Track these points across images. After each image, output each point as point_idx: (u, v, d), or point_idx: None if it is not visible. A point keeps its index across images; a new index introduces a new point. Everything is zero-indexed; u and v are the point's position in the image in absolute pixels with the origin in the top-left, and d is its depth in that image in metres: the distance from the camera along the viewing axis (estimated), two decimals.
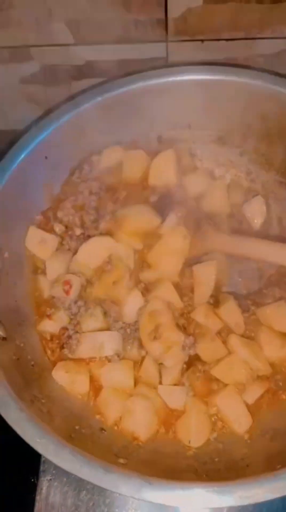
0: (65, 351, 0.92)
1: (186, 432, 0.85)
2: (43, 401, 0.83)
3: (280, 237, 1.03)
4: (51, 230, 1.05)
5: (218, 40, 1.10)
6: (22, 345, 0.91)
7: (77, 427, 0.82)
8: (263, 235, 1.04)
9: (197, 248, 0.94)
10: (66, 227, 1.05)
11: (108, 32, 1.07)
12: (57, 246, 1.03)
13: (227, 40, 1.10)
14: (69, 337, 0.93)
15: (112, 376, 0.89)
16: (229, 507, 0.85)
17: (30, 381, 0.86)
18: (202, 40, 1.10)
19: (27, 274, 1.02)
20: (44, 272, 1.01)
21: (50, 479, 0.98)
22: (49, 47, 1.10)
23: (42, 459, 0.98)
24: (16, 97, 1.20)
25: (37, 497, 0.96)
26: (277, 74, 1.06)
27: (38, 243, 1.02)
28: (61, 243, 1.04)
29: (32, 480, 0.98)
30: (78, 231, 1.03)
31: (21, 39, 1.08)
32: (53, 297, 0.99)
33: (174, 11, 1.03)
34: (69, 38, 1.08)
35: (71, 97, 1.06)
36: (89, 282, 0.98)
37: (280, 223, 1.08)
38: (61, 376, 0.90)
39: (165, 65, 1.15)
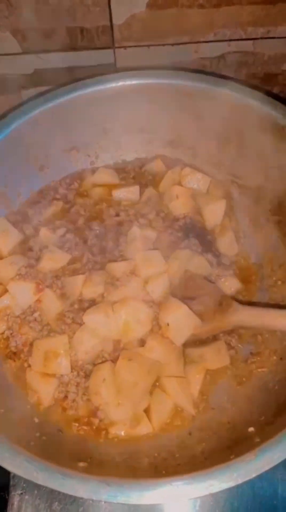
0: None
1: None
2: (1, 410, 0.82)
3: None
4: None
5: (164, 45, 1.12)
6: None
7: (37, 434, 0.81)
8: None
9: (224, 323, 0.92)
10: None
11: (54, 40, 1.08)
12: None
13: (172, 44, 1.12)
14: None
15: None
16: (198, 499, 0.90)
17: None
18: (148, 46, 1.12)
19: None
20: None
21: (21, 493, 0.96)
22: None
23: (12, 473, 0.96)
24: None
25: None
26: (222, 76, 1.09)
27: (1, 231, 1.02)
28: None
29: (3, 495, 0.96)
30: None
31: None
32: None
33: (118, 18, 1.05)
34: (15, 47, 1.09)
35: (20, 105, 1.06)
36: None
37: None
38: None
39: (113, 70, 1.16)
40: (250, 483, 0.88)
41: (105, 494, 0.66)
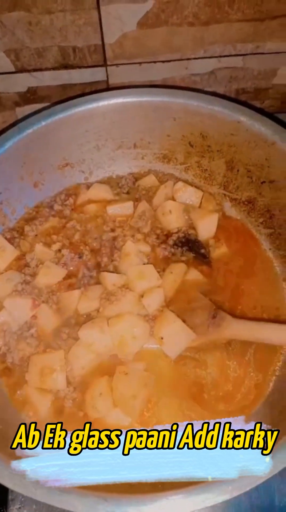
0: None
1: None
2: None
3: None
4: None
5: (155, 62, 1.15)
6: None
7: None
8: None
9: (218, 336, 0.93)
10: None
11: (47, 59, 1.10)
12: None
13: (163, 61, 1.15)
14: None
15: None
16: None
17: None
18: (139, 63, 1.15)
19: None
20: None
21: (19, 507, 0.96)
22: None
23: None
24: None
25: None
26: (213, 93, 1.11)
27: None
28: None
29: (1, 509, 0.96)
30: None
31: None
32: None
33: (110, 37, 1.07)
34: (9, 66, 1.11)
35: (15, 123, 1.08)
36: None
37: None
38: None
39: (106, 88, 1.19)
40: (247, 493, 0.89)
41: (103, 509, 0.67)
